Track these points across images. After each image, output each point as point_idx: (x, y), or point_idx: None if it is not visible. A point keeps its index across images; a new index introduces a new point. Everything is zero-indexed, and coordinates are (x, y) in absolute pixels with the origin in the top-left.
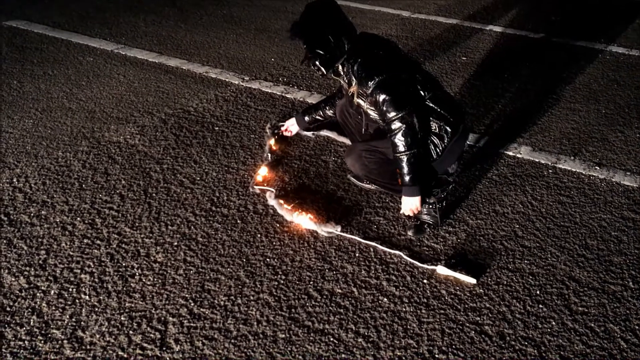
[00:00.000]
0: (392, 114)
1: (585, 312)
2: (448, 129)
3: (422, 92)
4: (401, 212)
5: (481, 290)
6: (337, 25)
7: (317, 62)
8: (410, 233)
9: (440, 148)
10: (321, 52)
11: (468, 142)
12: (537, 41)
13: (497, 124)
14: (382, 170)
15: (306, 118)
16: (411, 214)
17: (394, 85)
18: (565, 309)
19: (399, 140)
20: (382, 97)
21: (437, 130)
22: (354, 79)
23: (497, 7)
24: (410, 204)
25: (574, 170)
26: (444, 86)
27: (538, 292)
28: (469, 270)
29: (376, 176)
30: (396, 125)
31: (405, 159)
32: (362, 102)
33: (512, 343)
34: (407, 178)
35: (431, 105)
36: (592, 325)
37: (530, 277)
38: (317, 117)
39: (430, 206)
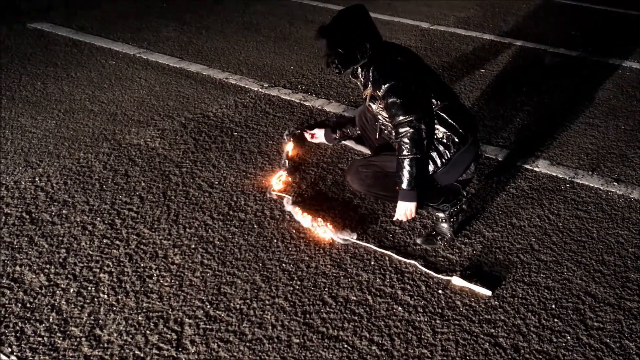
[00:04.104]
0: (400, 118)
1: (601, 328)
2: (456, 139)
3: (434, 101)
4: (395, 217)
5: (496, 303)
6: (362, 30)
7: (336, 61)
8: (419, 241)
9: (446, 157)
10: (341, 51)
11: (486, 155)
12: (557, 55)
13: (515, 137)
14: (378, 183)
15: (335, 135)
16: (404, 219)
17: (406, 90)
18: (581, 323)
19: (405, 144)
20: (392, 100)
21: (444, 139)
22: (369, 82)
23: (517, 20)
24: (404, 208)
25: (591, 185)
26: (460, 98)
27: (553, 306)
28: (484, 282)
29: (374, 189)
30: (404, 128)
31: (407, 162)
32: (373, 105)
33: (526, 356)
34: (405, 181)
35: (442, 114)
36: (608, 341)
37: (546, 290)
38: (345, 134)
39: (444, 220)
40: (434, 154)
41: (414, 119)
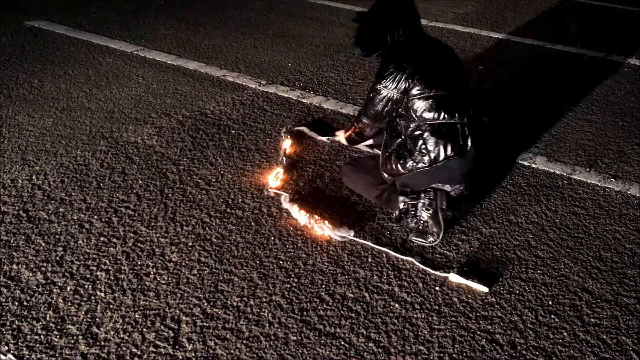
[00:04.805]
0: (361, 111)
1: (598, 324)
2: (448, 151)
3: (433, 114)
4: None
5: (493, 299)
6: (396, 18)
7: (356, 40)
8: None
9: (429, 158)
10: (364, 32)
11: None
12: (555, 52)
13: (513, 133)
14: (358, 177)
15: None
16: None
17: (377, 97)
18: (578, 320)
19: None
20: (367, 96)
21: (424, 149)
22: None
23: (516, 17)
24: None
25: (589, 181)
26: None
27: (550, 303)
28: (481, 278)
29: (355, 185)
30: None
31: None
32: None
33: (523, 352)
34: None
35: (443, 122)
36: (604, 337)
37: (543, 287)
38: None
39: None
40: (421, 155)
41: (364, 122)
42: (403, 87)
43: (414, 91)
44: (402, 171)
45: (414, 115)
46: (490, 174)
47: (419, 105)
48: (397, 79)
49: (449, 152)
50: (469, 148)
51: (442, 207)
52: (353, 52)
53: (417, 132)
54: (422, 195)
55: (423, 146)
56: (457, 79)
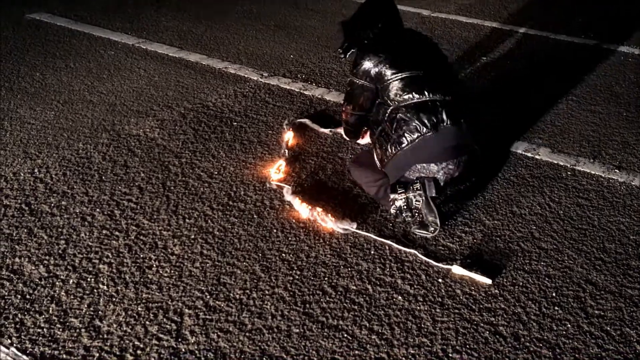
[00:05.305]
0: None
1: (602, 316)
2: (422, 128)
3: (411, 92)
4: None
5: (496, 291)
6: (373, 19)
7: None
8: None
9: (405, 138)
10: (345, 35)
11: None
12: (559, 42)
13: (516, 124)
14: (360, 173)
15: None
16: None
17: (352, 88)
18: (581, 311)
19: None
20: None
21: (407, 127)
22: None
23: (519, 7)
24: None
25: (593, 172)
26: (457, 85)
27: (554, 294)
28: (484, 270)
29: (358, 180)
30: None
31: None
32: None
33: (526, 344)
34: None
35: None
36: (608, 328)
37: (547, 279)
38: None
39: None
40: (394, 137)
41: (344, 109)
42: (373, 73)
43: (386, 76)
44: (386, 157)
45: (389, 100)
46: (492, 165)
47: (392, 88)
48: (365, 67)
49: (423, 129)
50: (445, 123)
51: (432, 194)
52: (336, 53)
53: (392, 115)
54: (410, 187)
55: (398, 128)
56: (431, 60)
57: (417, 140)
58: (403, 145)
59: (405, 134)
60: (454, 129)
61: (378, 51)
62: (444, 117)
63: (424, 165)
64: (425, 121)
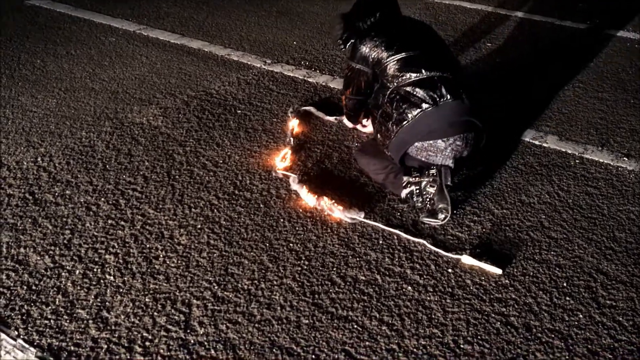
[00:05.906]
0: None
1: (614, 306)
2: (422, 104)
3: (408, 72)
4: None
5: (507, 281)
6: (369, 10)
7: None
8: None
9: (406, 115)
10: (343, 24)
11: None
12: (564, 28)
13: (523, 112)
14: (367, 161)
15: None
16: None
17: (350, 74)
18: (593, 302)
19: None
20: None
21: (408, 104)
22: None
23: None
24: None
25: (601, 161)
26: (458, 67)
27: (565, 284)
28: (494, 260)
29: (365, 168)
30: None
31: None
32: None
33: (538, 335)
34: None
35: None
36: (620, 319)
37: (557, 268)
38: None
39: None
40: (395, 115)
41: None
42: (369, 58)
43: (382, 59)
44: (389, 138)
45: (387, 82)
46: (500, 153)
47: (389, 69)
48: (362, 52)
49: (423, 105)
50: (445, 98)
51: (447, 182)
52: (336, 44)
53: (392, 96)
54: (426, 172)
55: (398, 106)
56: (427, 41)
57: (417, 116)
58: (404, 123)
59: (406, 111)
60: (455, 104)
61: (374, 36)
62: (444, 92)
63: (431, 142)
64: (426, 96)
